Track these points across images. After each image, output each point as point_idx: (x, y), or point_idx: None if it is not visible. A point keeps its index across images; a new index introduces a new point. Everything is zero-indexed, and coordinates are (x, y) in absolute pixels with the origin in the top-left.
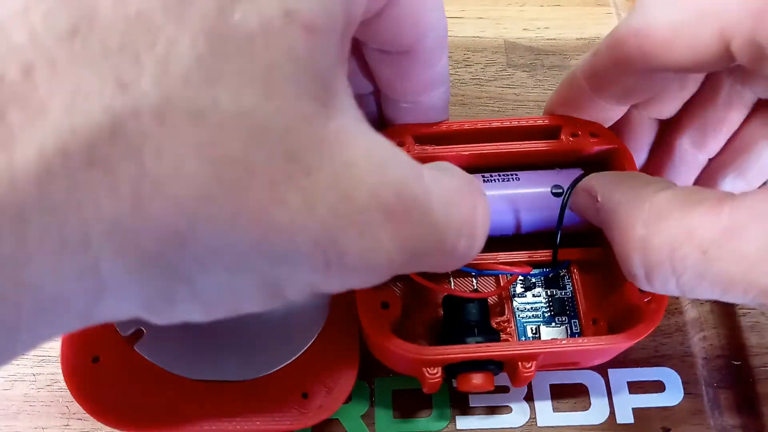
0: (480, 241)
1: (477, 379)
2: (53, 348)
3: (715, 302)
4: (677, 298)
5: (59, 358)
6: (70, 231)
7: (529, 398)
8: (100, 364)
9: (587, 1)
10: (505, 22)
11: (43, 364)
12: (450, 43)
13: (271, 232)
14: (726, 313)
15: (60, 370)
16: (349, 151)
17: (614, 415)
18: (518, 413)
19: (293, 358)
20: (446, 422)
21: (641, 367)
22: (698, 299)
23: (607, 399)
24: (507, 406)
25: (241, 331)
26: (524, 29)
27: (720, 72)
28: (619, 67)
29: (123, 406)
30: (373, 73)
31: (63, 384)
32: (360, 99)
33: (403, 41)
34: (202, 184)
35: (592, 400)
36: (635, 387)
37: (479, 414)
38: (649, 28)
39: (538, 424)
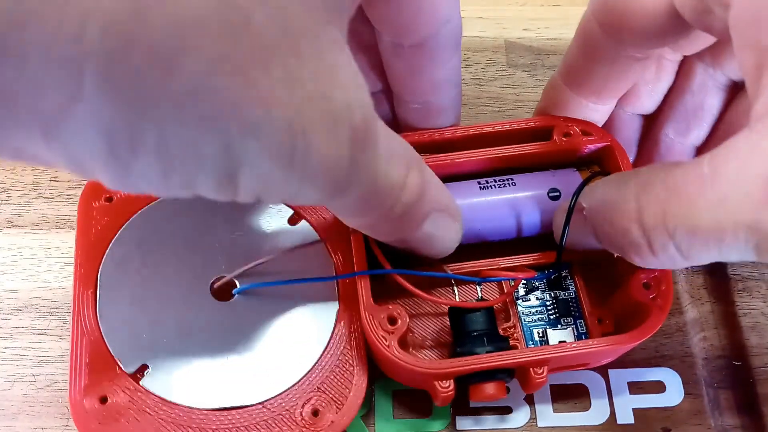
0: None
1: (490, 388)
2: (53, 349)
3: (716, 302)
4: (678, 298)
5: (58, 360)
6: (69, 10)
7: (530, 399)
8: (109, 404)
9: (587, 1)
10: (505, 21)
11: (43, 364)
12: None
13: (249, 94)
14: (726, 313)
15: (60, 371)
16: (337, 58)
17: (615, 415)
18: (518, 414)
19: (301, 377)
20: (446, 423)
21: (641, 367)
22: (700, 299)
23: (607, 399)
24: (507, 406)
25: (246, 355)
26: (524, 29)
27: (691, 57)
28: (588, 54)
29: None
30: (385, 70)
31: (63, 385)
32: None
33: (418, 31)
34: (203, 13)
35: (593, 400)
36: (635, 387)
37: (479, 414)
38: (605, 4)
39: (539, 425)
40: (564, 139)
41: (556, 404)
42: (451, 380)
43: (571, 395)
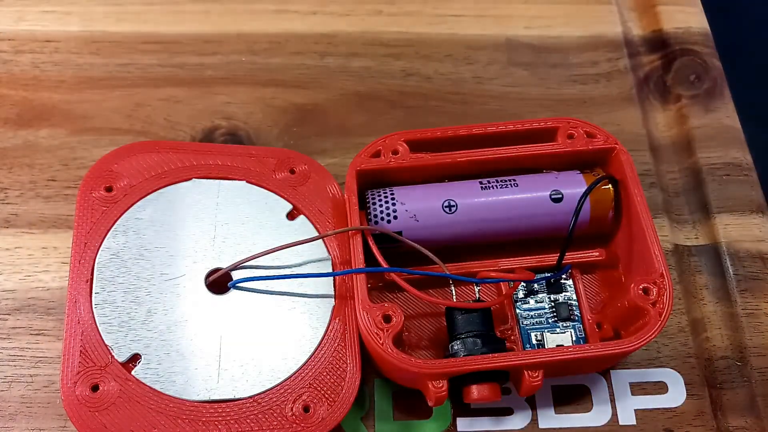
0: None
1: (483, 390)
2: (50, 350)
3: (718, 302)
4: (680, 298)
5: (56, 360)
6: None
7: (531, 400)
8: (100, 392)
9: (589, 0)
10: (506, 20)
11: (41, 365)
12: (451, 41)
13: None
14: (729, 314)
15: (57, 372)
16: None
17: (617, 416)
18: (520, 415)
19: (293, 373)
20: (447, 424)
21: (643, 368)
22: (703, 299)
23: (609, 400)
24: (508, 407)
25: (238, 348)
26: (526, 27)
27: None
28: None
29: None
30: None
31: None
32: None
33: None
34: None
35: (594, 401)
36: (637, 388)
37: (480, 416)
38: None
39: (540, 426)
40: (568, 140)
41: (557, 405)
42: (445, 380)
43: (572, 396)
